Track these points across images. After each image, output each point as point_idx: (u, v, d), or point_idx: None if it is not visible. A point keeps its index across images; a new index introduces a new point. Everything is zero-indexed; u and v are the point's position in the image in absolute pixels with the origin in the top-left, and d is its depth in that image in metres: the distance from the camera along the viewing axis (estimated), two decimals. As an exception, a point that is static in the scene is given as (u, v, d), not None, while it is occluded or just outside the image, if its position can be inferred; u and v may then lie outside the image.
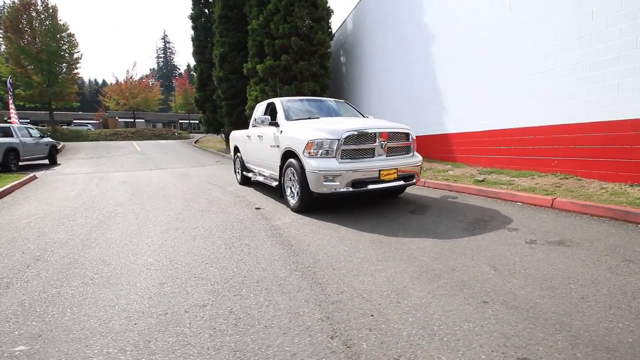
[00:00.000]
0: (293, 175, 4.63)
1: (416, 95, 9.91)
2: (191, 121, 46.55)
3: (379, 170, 4.14)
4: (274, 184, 5.30)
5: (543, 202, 4.30)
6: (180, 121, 47.47)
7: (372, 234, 3.41)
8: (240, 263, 2.76)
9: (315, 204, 4.45)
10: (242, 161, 7.33)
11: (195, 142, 24.42)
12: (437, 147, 9.04)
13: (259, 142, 5.87)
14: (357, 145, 4.16)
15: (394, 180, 4.26)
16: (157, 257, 2.90)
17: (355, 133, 4.14)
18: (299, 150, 4.30)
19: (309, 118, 5.21)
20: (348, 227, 3.72)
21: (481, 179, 6.09)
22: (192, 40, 20.26)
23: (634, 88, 4.60)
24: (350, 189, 4.05)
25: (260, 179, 6.16)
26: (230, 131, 9.45)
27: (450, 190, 5.74)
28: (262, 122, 5.26)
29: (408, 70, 10.35)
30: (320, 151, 4.12)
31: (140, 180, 8.63)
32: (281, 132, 4.93)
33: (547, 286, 2.18)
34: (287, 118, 5.16)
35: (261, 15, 14.07)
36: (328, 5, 13.94)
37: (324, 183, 4.06)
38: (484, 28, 7.19)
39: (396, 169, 4.25)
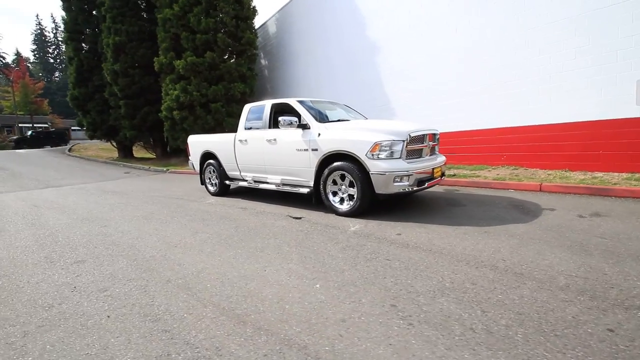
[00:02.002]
0: (341, 178, 4.47)
1: (365, 100, 10.62)
2: (36, 125, 36.29)
3: (432, 169, 4.46)
4: (303, 190, 4.94)
5: (532, 187, 5.47)
6: (20, 125, 36.31)
7: (464, 227, 3.67)
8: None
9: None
10: (223, 169, 6.44)
11: (69, 151, 19.26)
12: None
13: (270, 146, 5.33)
14: (414, 145, 4.35)
15: (439, 177, 4.66)
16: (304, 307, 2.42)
17: (418, 134, 4.33)
18: (361, 152, 4.19)
19: (339, 120, 5.08)
20: (435, 223, 3.86)
21: (452, 174, 7.16)
22: (65, 24, 16.02)
23: (539, 102, 6.33)
24: (415, 188, 4.23)
25: (265, 186, 5.59)
26: (132, 136, 8.02)
27: (441, 185, 6.56)
28: (290, 124, 4.81)
29: (353, 79, 10.95)
30: (386, 153, 4.14)
31: (49, 204, 6.48)
32: (319, 134, 4.65)
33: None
34: (320, 120, 4.89)
35: (176, 5, 12.46)
36: (253, 5, 13.41)
37: (394, 184, 4.10)
38: (429, 47, 8.41)
39: (440, 166, 4.66)
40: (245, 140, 5.80)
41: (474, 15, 7.45)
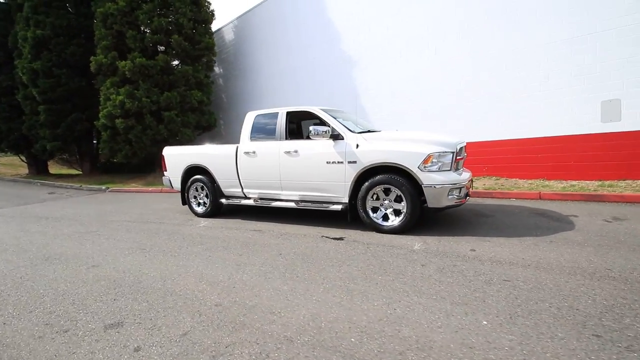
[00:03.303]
0: (384, 193, 4.14)
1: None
2: None
3: (470, 181, 4.43)
4: (335, 207, 4.45)
5: (533, 196, 5.87)
6: None
7: (523, 238, 3.62)
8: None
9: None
10: (217, 185, 5.55)
11: (-49, 167, 15.01)
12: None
13: (289, 159, 4.73)
14: (457, 157, 4.27)
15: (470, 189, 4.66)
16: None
17: (461, 145, 4.25)
18: (412, 164, 3.92)
19: (369, 131, 4.76)
20: (490, 235, 3.75)
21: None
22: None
23: (517, 119, 7.06)
24: (463, 201, 4.11)
25: (277, 204, 4.94)
26: (54, 148, 6.74)
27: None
28: (322, 134, 4.30)
29: (323, 92, 10.78)
30: (438, 165, 3.95)
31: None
32: (357, 146, 4.26)
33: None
34: (351, 131, 4.49)
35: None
36: (212, 9, 12.46)
37: (448, 197, 3.93)
38: (409, 65, 8.73)
39: (471, 179, 4.67)
40: (254, 152, 5.08)
41: (454, 39, 7.95)
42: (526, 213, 4.86)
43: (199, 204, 5.93)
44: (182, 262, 3.37)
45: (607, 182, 6.15)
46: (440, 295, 2.39)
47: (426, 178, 3.90)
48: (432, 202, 3.95)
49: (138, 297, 2.56)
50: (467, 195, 4.18)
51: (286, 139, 4.94)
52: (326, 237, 4.16)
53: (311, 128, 4.37)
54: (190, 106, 11.96)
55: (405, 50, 8.78)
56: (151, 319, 2.19)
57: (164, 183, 6.49)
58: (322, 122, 4.63)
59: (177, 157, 6.10)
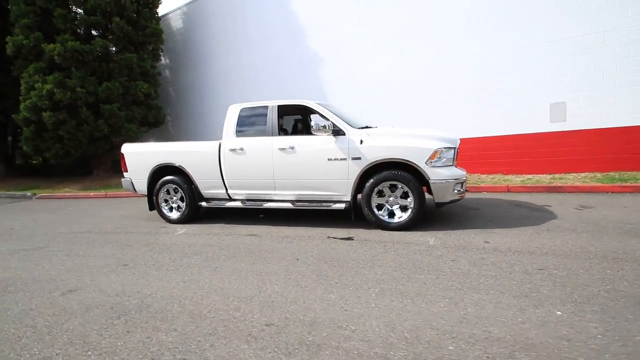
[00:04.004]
0: (390, 189, 4.06)
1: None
2: None
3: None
4: (337, 206, 4.25)
5: (502, 189, 6.36)
6: None
7: (521, 228, 3.82)
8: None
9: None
10: (195, 187, 4.95)
11: None
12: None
13: (285, 156, 4.39)
14: (457, 152, 4.37)
15: (463, 183, 4.84)
16: None
17: (459, 141, 4.35)
18: (420, 160, 3.89)
19: (367, 127, 4.61)
20: (491, 227, 3.88)
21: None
22: None
23: (475, 118, 7.68)
24: (462, 195, 4.22)
25: (270, 206, 4.58)
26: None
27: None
28: (323, 128, 4.04)
29: (286, 88, 10.44)
30: (443, 160, 3.99)
31: None
32: (361, 141, 4.10)
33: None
34: (352, 126, 4.31)
35: (45, -30, 9.18)
36: (157, -10, 11.23)
37: (453, 191, 3.99)
38: (376, 64, 8.87)
39: (463, 173, 4.84)
40: (241, 149, 4.62)
41: (420, 42, 8.25)
42: (506, 205, 5.22)
43: (171, 209, 5.22)
44: (188, 277, 2.87)
45: (557, 175, 6.94)
46: (496, 289, 2.36)
47: (433, 173, 3.93)
48: (438, 197, 3.99)
49: (159, 325, 2.07)
50: (465, 189, 4.33)
51: (279, 134, 4.59)
52: (333, 237, 3.95)
53: (313, 123, 4.10)
54: (134, 99, 10.69)
55: (372, 50, 8.91)
56: (197, 353, 1.77)
57: (123, 186, 5.60)
58: (322, 117, 4.39)
59: (142, 156, 5.30)
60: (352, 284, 2.56)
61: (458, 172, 4.07)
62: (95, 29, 10.02)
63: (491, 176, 7.61)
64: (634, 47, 6.29)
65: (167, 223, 5.17)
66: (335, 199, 4.37)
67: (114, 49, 10.07)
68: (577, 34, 6.70)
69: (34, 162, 12.85)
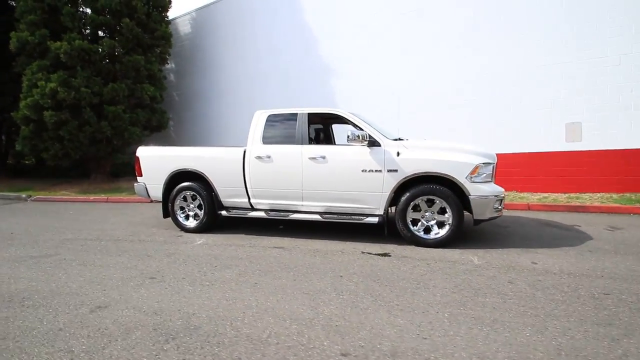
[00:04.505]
0: (427, 204, 3.90)
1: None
2: None
3: (499, 193, 4.48)
4: (370, 219, 4.07)
5: (522, 207, 6.27)
6: None
7: (562, 248, 3.70)
8: None
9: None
10: (215, 194, 4.71)
11: None
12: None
13: (315, 166, 4.21)
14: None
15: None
16: None
17: (496, 157, 4.25)
18: (460, 175, 3.76)
19: (399, 139, 4.47)
20: (532, 247, 3.75)
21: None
22: None
23: (491, 136, 7.68)
24: (500, 213, 4.09)
25: (296, 217, 4.38)
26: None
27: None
28: (359, 139, 3.89)
29: (298, 101, 10.31)
30: (483, 176, 3.87)
31: None
32: (398, 153, 3.95)
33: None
34: (387, 137, 4.17)
35: (55, -33, 8.98)
36: (168, -6, 11.12)
37: (493, 208, 3.86)
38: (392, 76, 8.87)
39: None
40: (269, 157, 4.42)
41: (435, 55, 8.29)
42: (534, 224, 5.12)
43: (187, 217, 4.95)
44: (229, 294, 2.62)
45: (573, 195, 6.92)
46: (574, 316, 2.19)
47: (474, 189, 3.79)
48: (477, 214, 3.84)
49: (218, 352, 1.82)
50: (503, 207, 4.20)
51: (309, 143, 4.43)
52: (367, 253, 3.75)
53: (349, 132, 3.95)
54: (139, 102, 10.41)
55: (385, 62, 8.91)
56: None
57: (136, 191, 5.32)
58: (356, 127, 4.25)
59: (159, 160, 5.05)
60: (416, 307, 2.35)
61: (497, 189, 3.96)
62: (103, 30, 9.79)
63: (506, 193, 7.55)
64: (650, 70, 6.41)
65: (182, 232, 4.89)
66: (367, 212, 4.19)
67: (121, 50, 9.81)
68: (594, 56, 6.80)
69: (27, 162, 12.33)
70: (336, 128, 5.93)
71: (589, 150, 7.00)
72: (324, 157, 4.24)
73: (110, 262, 3.52)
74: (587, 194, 6.89)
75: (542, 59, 7.25)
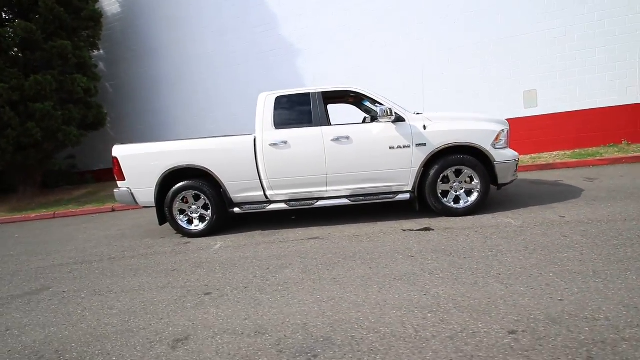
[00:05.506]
0: (455, 175, 3.95)
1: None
2: None
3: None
4: (402, 197, 4.00)
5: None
6: None
7: (573, 200, 4.08)
8: None
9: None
10: (224, 191, 4.18)
11: None
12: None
13: (339, 147, 3.95)
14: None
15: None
16: None
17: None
18: (486, 143, 3.86)
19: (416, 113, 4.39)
20: (553, 202, 4.06)
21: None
22: None
23: (452, 106, 8.21)
24: (516, 177, 4.32)
25: (322, 204, 4.13)
26: None
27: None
28: (387, 114, 3.72)
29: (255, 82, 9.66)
30: (502, 142, 4.03)
31: None
32: (424, 127, 3.89)
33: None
34: (408, 112, 4.06)
35: None
36: (92, -34, 9.35)
37: (514, 171, 4.06)
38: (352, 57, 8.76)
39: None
40: (285, 143, 4.02)
41: (402, 32, 8.37)
42: (525, 184, 5.58)
43: (190, 221, 4.33)
44: (318, 295, 2.31)
45: (534, 155, 7.75)
46: (652, 257, 2.41)
47: (497, 155, 3.94)
48: (501, 178, 4.02)
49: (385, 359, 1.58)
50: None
51: (328, 124, 4.14)
52: (409, 230, 3.69)
53: (379, 109, 3.77)
54: (70, 96, 8.77)
55: (353, 41, 8.77)
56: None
57: (117, 199, 4.46)
58: (376, 103, 4.07)
59: (146, 158, 4.27)
60: (520, 273, 2.35)
61: (515, 153, 4.17)
62: (14, 10, 7.88)
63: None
64: (590, 41, 7.31)
65: (187, 237, 4.28)
66: (395, 189, 4.11)
67: (40, 34, 8.03)
68: (544, 28, 7.52)
69: None
70: (330, 108, 5.68)
71: (543, 115, 7.85)
72: (347, 138, 4.00)
73: (133, 285, 2.91)
74: (546, 153, 7.77)
75: (502, 33, 7.79)
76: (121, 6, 10.90)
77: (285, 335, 1.87)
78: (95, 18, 9.13)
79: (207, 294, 2.56)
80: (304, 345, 1.76)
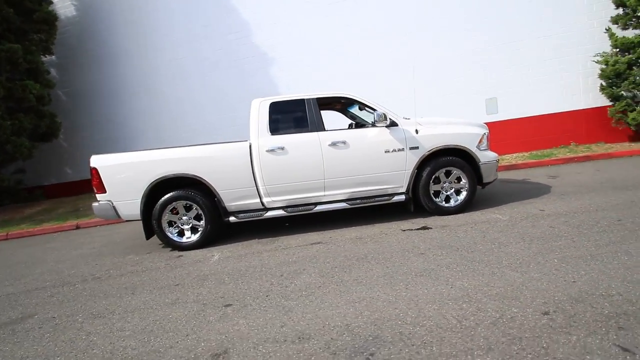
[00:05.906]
0: (445, 175, 4.18)
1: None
2: None
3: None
4: (398, 198, 4.14)
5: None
6: None
7: (546, 195, 4.50)
8: None
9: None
10: (218, 200, 4.03)
11: None
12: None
13: (336, 152, 4.01)
14: (486, 137, 4.79)
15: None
16: None
17: (484, 126, 4.78)
18: (472, 145, 4.15)
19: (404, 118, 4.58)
20: (530, 198, 4.42)
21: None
22: None
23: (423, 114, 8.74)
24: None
25: (321, 208, 4.14)
26: None
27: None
28: (383, 119, 3.85)
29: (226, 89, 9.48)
30: (484, 144, 4.33)
31: None
32: (416, 131, 4.07)
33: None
34: (399, 117, 4.22)
35: None
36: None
37: (495, 172, 4.38)
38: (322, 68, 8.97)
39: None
40: (282, 149, 3.98)
41: (377, 44, 8.72)
42: (497, 183, 6.01)
43: (181, 233, 4.10)
44: (347, 297, 2.31)
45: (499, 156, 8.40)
46: (635, 237, 2.73)
47: (482, 156, 4.25)
48: (486, 177, 4.32)
49: (453, 352, 1.62)
50: (496, 170, 4.83)
51: (323, 129, 4.17)
52: (408, 229, 3.83)
53: (376, 114, 3.89)
54: (19, 104, 7.95)
55: (328, 51, 8.97)
56: None
57: (97, 213, 4.09)
58: (369, 108, 4.19)
59: (131, 168, 3.98)
60: (529, 262, 2.54)
61: (495, 154, 4.51)
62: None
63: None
64: (542, 54, 8.16)
65: (178, 251, 4.04)
66: (391, 191, 4.24)
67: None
68: (506, 41, 8.25)
69: None
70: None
71: (502, 121, 8.57)
72: (344, 142, 4.07)
73: (136, 304, 2.67)
74: (507, 155, 8.46)
75: (469, 46, 8.42)
76: (77, 9, 10.14)
77: (332, 338, 1.85)
78: (50, 21, 8.42)
79: (228, 305, 2.44)
80: (355, 346, 1.76)
